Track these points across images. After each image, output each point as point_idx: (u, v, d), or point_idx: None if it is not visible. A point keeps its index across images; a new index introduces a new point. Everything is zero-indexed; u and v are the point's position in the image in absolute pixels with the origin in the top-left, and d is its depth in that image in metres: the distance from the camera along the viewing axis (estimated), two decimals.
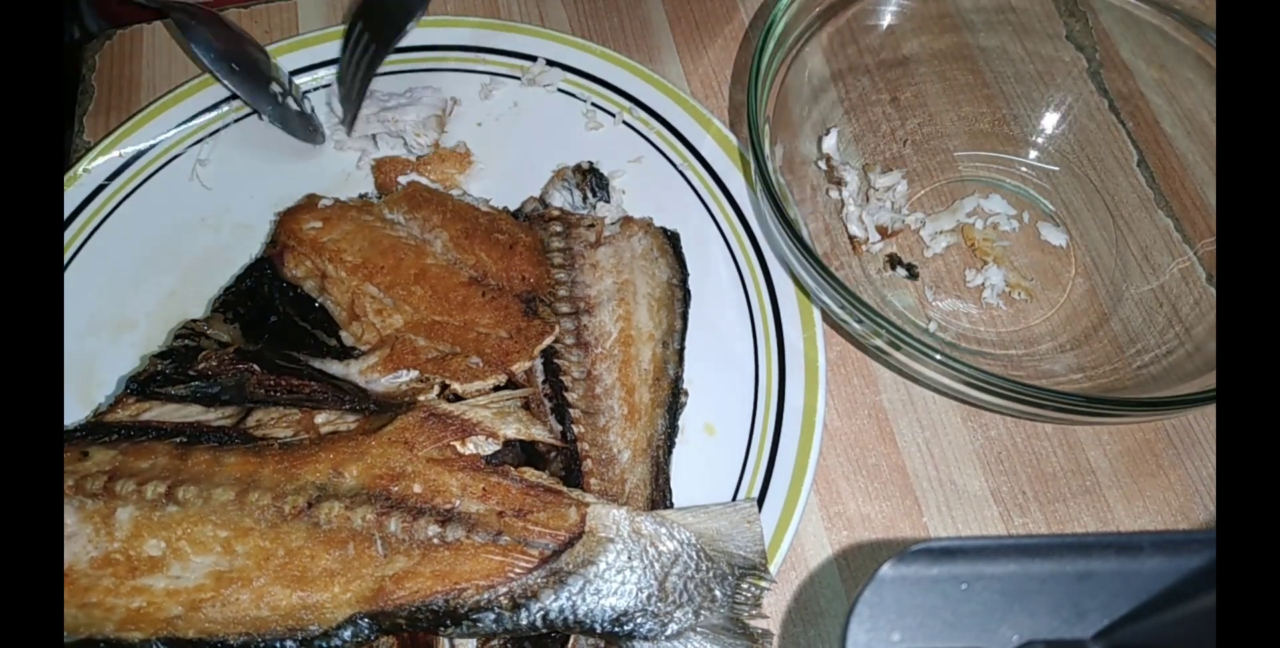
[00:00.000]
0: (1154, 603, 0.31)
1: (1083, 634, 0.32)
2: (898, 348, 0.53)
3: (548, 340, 0.61)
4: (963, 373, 0.51)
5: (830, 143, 0.69)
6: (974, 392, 0.53)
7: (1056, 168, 0.72)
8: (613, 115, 0.73)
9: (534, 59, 0.75)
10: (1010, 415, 0.64)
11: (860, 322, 0.54)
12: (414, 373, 0.58)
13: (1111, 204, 0.70)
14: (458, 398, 0.57)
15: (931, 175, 0.73)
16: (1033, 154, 0.73)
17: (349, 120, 0.71)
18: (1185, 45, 0.67)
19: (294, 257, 0.63)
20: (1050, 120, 0.73)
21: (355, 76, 0.69)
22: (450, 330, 0.60)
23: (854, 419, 0.65)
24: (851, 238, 0.70)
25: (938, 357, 0.51)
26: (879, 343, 0.55)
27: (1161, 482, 0.63)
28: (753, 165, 0.58)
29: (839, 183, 0.70)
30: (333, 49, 0.75)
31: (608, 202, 0.70)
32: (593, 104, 0.73)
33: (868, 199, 0.71)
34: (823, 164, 0.70)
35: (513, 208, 0.70)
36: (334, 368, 0.59)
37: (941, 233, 0.71)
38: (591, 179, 0.70)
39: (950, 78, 0.75)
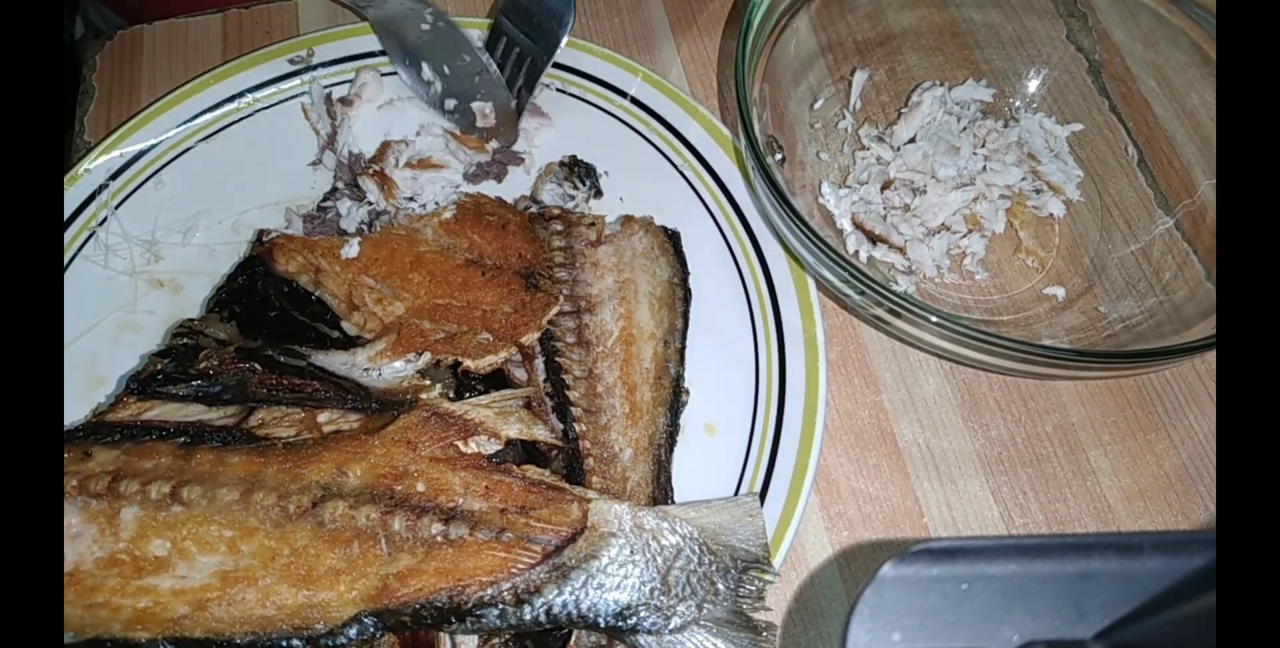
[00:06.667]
0: (1154, 603, 0.31)
1: (1083, 635, 0.32)
2: (898, 315, 0.55)
3: (553, 311, 0.62)
4: (962, 334, 0.53)
5: (820, 105, 0.71)
6: (967, 351, 0.55)
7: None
8: (614, 117, 0.73)
9: None
10: (999, 372, 0.65)
11: (861, 293, 0.55)
12: (426, 355, 0.59)
13: (1096, 176, 0.71)
14: (459, 396, 0.57)
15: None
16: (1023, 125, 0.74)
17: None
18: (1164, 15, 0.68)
19: (283, 253, 0.63)
20: (1034, 89, 0.75)
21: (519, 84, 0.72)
22: (455, 311, 0.61)
23: (854, 419, 0.66)
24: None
25: (934, 320, 0.52)
26: (878, 312, 0.57)
27: (1162, 482, 0.63)
28: (741, 135, 0.59)
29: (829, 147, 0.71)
30: (334, 50, 0.75)
31: (599, 192, 0.70)
32: (591, 103, 0.73)
33: (855, 162, 0.72)
34: (818, 125, 0.71)
35: None
36: (339, 359, 0.59)
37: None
38: (579, 170, 0.70)
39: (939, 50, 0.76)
